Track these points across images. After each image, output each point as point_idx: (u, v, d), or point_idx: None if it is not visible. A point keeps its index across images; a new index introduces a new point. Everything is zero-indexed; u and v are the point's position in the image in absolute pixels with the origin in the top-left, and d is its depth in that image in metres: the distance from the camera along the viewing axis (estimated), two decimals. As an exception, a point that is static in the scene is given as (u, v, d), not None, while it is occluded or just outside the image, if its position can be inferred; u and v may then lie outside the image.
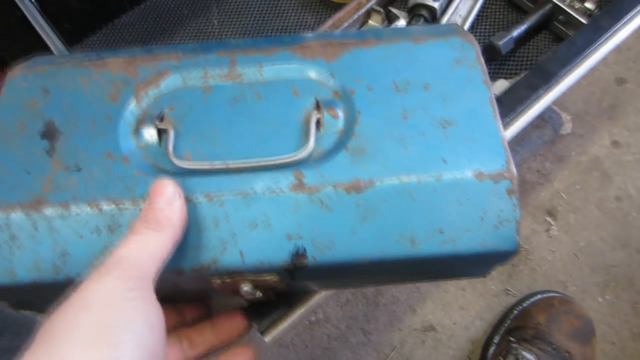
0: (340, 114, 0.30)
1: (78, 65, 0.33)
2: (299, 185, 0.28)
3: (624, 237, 0.74)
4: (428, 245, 0.27)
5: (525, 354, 0.55)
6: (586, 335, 0.61)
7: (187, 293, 0.32)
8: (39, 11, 0.43)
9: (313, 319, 0.70)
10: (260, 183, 0.28)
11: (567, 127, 0.81)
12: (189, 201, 0.28)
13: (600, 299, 0.70)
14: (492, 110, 0.30)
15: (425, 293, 0.71)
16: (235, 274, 0.28)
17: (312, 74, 0.32)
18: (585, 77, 0.88)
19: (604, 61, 0.90)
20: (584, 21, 0.54)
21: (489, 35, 0.59)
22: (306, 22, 0.62)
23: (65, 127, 0.30)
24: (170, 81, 0.32)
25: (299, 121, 0.30)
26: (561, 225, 0.75)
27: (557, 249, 0.73)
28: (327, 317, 0.70)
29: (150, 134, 0.30)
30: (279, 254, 0.27)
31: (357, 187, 0.28)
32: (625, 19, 0.41)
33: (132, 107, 0.31)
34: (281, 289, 0.30)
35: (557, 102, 0.86)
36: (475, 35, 0.60)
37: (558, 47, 0.42)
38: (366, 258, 0.27)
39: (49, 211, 0.28)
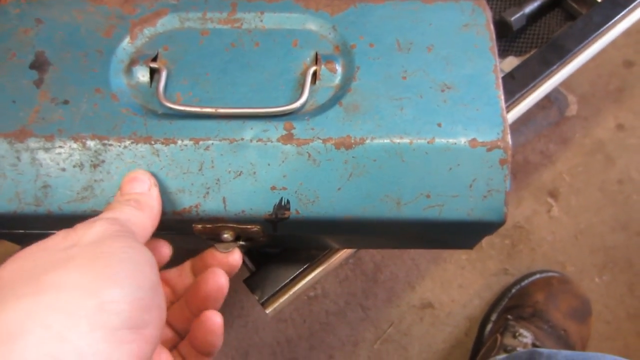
0: (339, 68, 0.30)
1: None
2: (288, 137, 0.27)
3: (624, 219, 0.74)
4: (413, 208, 0.27)
5: (522, 331, 0.56)
6: (583, 315, 0.62)
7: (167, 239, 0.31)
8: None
9: (312, 294, 0.70)
10: (249, 131, 0.28)
11: (573, 109, 0.81)
12: (174, 143, 0.28)
13: (597, 280, 0.71)
14: (495, 79, 0.29)
15: (424, 271, 0.71)
16: (217, 221, 0.28)
17: (314, 26, 0.31)
18: (593, 59, 0.87)
19: (612, 44, 0.89)
20: (598, -2, 0.53)
21: (500, 11, 0.58)
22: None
23: (56, 59, 0.30)
24: (167, 21, 0.31)
25: (295, 73, 0.30)
26: (562, 207, 0.75)
27: (557, 230, 0.74)
28: (326, 292, 0.71)
29: (142, 73, 0.30)
30: (262, 204, 0.27)
31: (347, 144, 0.27)
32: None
33: (126, 44, 0.31)
34: (263, 241, 0.30)
35: (563, 83, 0.85)
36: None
37: (574, 23, 0.41)
38: (349, 215, 0.27)
39: (32, 142, 0.27)
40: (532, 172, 0.77)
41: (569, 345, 0.58)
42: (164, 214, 0.27)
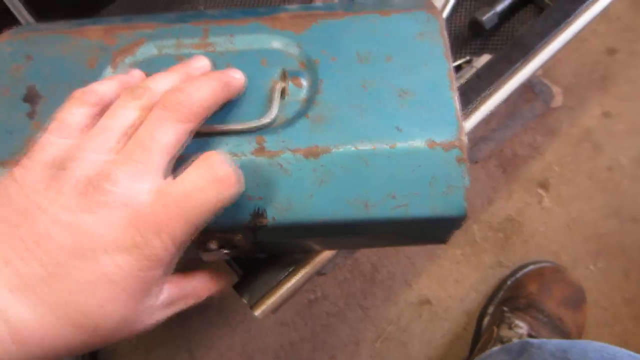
0: (305, 83, 0.32)
1: (59, 32, 0.34)
2: (260, 150, 0.29)
3: (615, 206, 0.75)
4: (380, 209, 0.29)
5: (518, 322, 0.57)
6: (577, 302, 0.63)
7: None
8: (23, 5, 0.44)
9: (312, 297, 0.72)
10: (224, 147, 0.29)
11: (558, 100, 0.82)
12: None
13: (592, 267, 0.72)
14: (450, 82, 0.30)
15: (420, 268, 0.73)
16: (202, 232, 0.30)
17: (281, 45, 0.33)
18: (575, 49, 0.88)
19: (594, 32, 0.90)
20: (567, -8, 0.54)
21: (475, 9, 0.60)
22: None
23: (46, 92, 0.32)
24: (146, 49, 0.33)
25: (265, 90, 0.31)
26: (553, 197, 0.76)
27: (549, 220, 0.75)
28: (325, 294, 0.72)
29: None
30: (240, 213, 0.29)
31: (315, 153, 0.29)
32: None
33: (108, 73, 0.32)
34: (247, 249, 0.32)
35: (547, 75, 0.86)
36: (462, 10, 0.60)
37: (535, 21, 0.42)
38: (322, 220, 0.29)
39: None
40: (521, 165, 0.78)
41: (564, 333, 0.59)
42: None
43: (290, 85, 0.31)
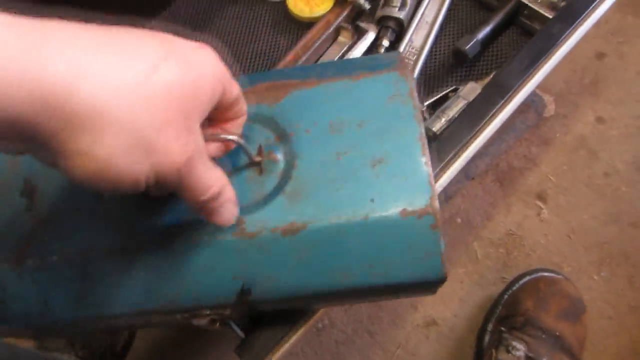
0: (280, 157, 0.33)
1: None
2: (241, 232, 0.30)
3: (615, 212, 0.75)
4: (360, 278, 0.30)
5: (515, 343, 0.57)
6: (575, 314, 0.63)
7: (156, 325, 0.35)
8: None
9: (320, 325, 0.73)
10: (206, 232, 0.31)
11: (550, 109, 0.82)
12: (146, 250, 0.31)
13: (595, 277, 0.72)
14: (421, 146, 0.31)
15: (424, 289, 0.73)
16: (192, 311, 0.31)
17: (256, 119, 0.34)
18: (564, 56, 0.88)
19: (583, 37, 0.90)
20: (548, 15, 0.55)
21: (458, 36, 0.60)
22: (279, 44, 0.63)
23: (41, 183, 0.33)
24: None
25: (243, 166, 0.33)
26: (552, 208, 0.76)
27: (550, 232, 0.75)
28: (333, 322, 0.73)
29: None
30: (227, 292, 0.30)
31: (292, 230, 0.30)
32: (578, 26, 0.42)
33: None
34: (235, 319, 0.33)
35: (538, 84, 0.86)
36: (445, 37, 0.60)
37: (511, 61, 0.42)
38: (304, 291, 0.30)
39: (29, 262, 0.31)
40: (517, 178, 0.78)
41: (564, 348, 0.59)
42: (145, 312, 0.30)
43: (266, 161, 0.32)
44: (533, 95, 0.83)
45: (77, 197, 0.32)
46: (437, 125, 0.52)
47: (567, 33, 0.42)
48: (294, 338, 0.37)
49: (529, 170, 0.79)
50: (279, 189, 0.31)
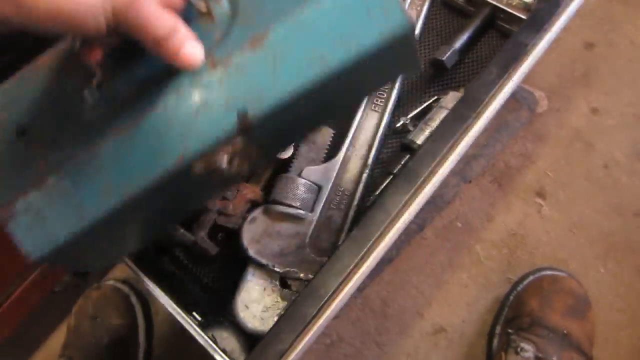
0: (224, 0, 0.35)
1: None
2: (213, 63, 0.32)
3: (616, 203, 0.74)
4: (336, 55, 0.31)
5: (523, 345, 0.57)
6: (581, 310, 0.62)
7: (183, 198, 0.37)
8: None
9: (328, 341, 0.73)
10: (186, 80, 0.33)
11: (543, 105, 0.82)
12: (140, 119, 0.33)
13: (602, 270, 0.71)
14: None
15: (429, 297, 0.73)
16: (208, 152, 0.32)
17: None
18: (552, 48, 0.88)
19: (569, 29, 0.89)
20: (522, 17, 0.55)
21: (437, 46, 0.60)
22: None
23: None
24: None
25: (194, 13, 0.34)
26: (552, 204, 0.76)
27: (552, 229, 0.74)
28: (341, 337, 0.73)
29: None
30: (227, 125, 0.32)
31: (258, 39, 0.32)
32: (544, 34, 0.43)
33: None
34: (254, 155, 0.35)
35: (528, 80, 0.86)
36: (423, 49, 0.61)
37: (482, 74, 0.43)
38: (293, 92, 0.32)
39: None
40: (515, 176, 0.78)
41: (573, 345, 0.59)
42: (165, 173, 0.32)
43: (214, 7, 0.34)
44: (524, 91, 0.83)
45: (62, 116, 0.35)
46: (421, 138, 0.52)
47: (535, 40, 0.42)
48: (300, 351, 0.38)
49: (526, 168, 0.78)
50: (231, 20, 0.33)
